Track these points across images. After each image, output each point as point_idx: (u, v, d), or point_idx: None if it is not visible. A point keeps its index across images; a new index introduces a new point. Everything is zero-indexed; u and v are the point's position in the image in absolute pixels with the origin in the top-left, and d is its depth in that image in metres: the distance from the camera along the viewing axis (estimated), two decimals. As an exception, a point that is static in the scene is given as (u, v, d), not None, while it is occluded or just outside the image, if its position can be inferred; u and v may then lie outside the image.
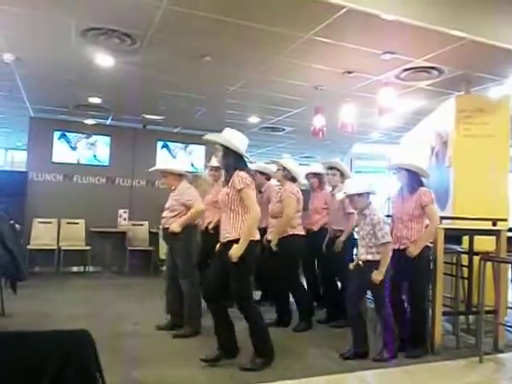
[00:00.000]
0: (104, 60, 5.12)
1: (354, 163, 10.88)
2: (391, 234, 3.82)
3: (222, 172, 5.29)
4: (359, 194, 3.70)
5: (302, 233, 4.56)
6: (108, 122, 8.58)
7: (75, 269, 7.61)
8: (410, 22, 3.89)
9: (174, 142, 8.80)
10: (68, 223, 7.57)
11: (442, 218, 4.29)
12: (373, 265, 3.61)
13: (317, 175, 5.40)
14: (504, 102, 5.28)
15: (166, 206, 4.28)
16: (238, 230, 3.28)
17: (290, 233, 4.43)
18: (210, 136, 3.49)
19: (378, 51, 4.59)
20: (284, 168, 4.60)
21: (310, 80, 5.66)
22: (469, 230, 4.29)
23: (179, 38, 4.50)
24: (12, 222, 4.56)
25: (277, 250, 4.42)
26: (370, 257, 3.64)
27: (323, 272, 5.06)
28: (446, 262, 4.08)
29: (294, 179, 4.60)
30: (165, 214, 4.28)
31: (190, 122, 8.36)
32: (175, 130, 9.11)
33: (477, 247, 4.35)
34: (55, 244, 7.29)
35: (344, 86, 5.81)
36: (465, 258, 4.38)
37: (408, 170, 3.92)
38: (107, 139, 8.18)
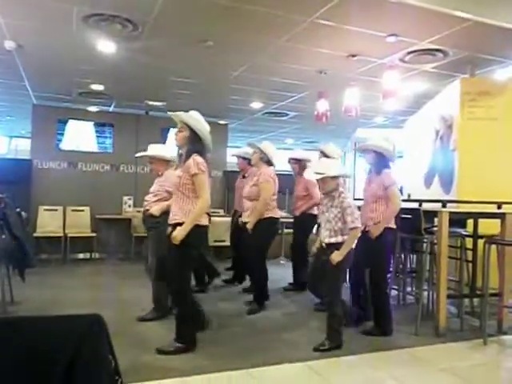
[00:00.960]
0: (106, 46, 5.09)
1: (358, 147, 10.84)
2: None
3: (243, 162, 5.47)
4: (332, 176, 3.56)
5: (277, 216, 4.62)
6: (111, 108, 8.57)
7: (81, 256, 7.67)
8: (415, 4, 3.84)
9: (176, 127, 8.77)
10: (73, 210, 7.61)
11: (447, 201, 4.29)
12: (335, 247, 3.50)
13: (298, 161, 5.42)
14: (510, 85, 5.23)
15: (151, 190, 4.29)
16: (187, 214, 3.24)
17: (266, 216, 4.48)
18: (185, 117, 3.39)
19: (382, 34, 4.54)
20: (260, 151, 4.60)
21: (314, 64, 5.61)
22: (473, 214, 4.29)
23: (181, 23, 4.46)
24: (18, 209, 4.58)
25: (252, 231, 4.48)
26: (333, 240, 3.52)
27: None
28: (450, 246, 4.10)
29: (269, 162, 4.62)
30: (148, 197, 4.27)
31: (193, 107, 8.30)
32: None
33: (481, 230, 4.36)
34: (61, 231, 7.34)
35: (348, 70, 5.77)
36: (469, 241, 4.40)
37: (375, 152, 3.92)
38: (110, 126, 8.18)
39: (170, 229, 3.35)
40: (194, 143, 3.34)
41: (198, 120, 3.39)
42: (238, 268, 5.76)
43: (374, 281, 3.94)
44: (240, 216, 5.04)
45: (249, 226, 4.49)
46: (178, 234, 3.19)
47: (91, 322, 1.16)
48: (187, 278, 3.47)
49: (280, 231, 6.84)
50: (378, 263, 3.91)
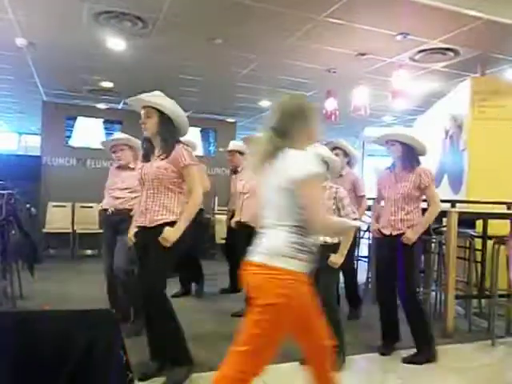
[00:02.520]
0: (116, 44, 5.11)
1: (366, 147, 10.81)
2: (377, 217, 3.57)
3: (239, 157, 5.08)
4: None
5: None
6: (120, 106, 8.60)
7: (89, 252, 7.71)
8: (425, 2, 3.82)
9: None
10: (82, 207, 7.66)
11: (456, 201, 4.26)
12: (330, 247, 3.09)
13: None
14: (521, 84, 5.19)
15: (124, 185, 3.82)
16: (172, 212, 2.78)
17: None
18: (152, 99, 2.88)
19: (392, 32, 4.52)
20: None
21: (323, 62, 5.60)
22: (483, 214, 4.26)
23: (190, 21, 4.47)
24: (28, 205, 4.62)
25: None
26: (328, 238, 3.08)
27: None
28: (459, 246, 4.07)
29: None
30: (120, 193, 3.78)
31: (201, 105, 8.34)
32: (186, 114, 9.08)
33: (491, 231, 4.33)
34: (70, 227, 7.40)
35: (357, 69, 5.74)
36: (478, 242, 4.37)
37: (403, 144, 3.34)
38: (119, 123, 8.22)
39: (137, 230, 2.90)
40: (169, 129, 2.86)
41: (165, 98, 2.94)
42: (234, 276, 5.17)
43: (407, 293, 3.36)
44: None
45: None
46: (172, 234, 2.68)
47: (104, 318, 1.17)
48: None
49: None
50: (411, 273, 3.35)
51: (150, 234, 2.76)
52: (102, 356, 1.13)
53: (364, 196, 4.37)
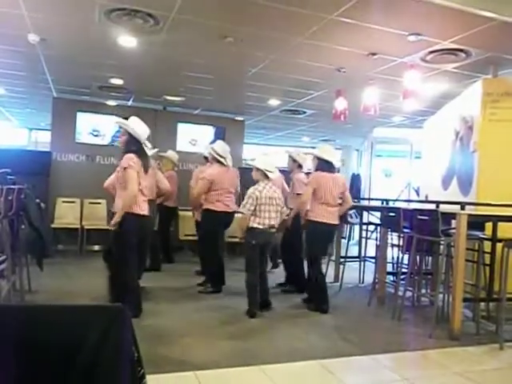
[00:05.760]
0: (127, 41, 5.13)
1: (375, 147, 10.76)
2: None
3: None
4: (257, 169, 4.42)
5: (216, 208, 5.17)
6: (129, 103, 8.64)
7: (97, 247, 7.75)
8: (438, 2, 3.79)
9: (193, 123, 8.84)
10: (90, 203, 7.71)
11: (466, 203, 4.23)
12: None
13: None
14: (533, 86, 5.12)
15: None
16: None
17: (204, 207, 5.25)
18: (121, 121, 4.09)
19: (404, 32, 4.49)
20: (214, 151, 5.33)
21: (333, 62, 5.58)
22: (492, 216, 4.22)
23: (202, 19, 4.47)
24: (38, 200, 4.65)
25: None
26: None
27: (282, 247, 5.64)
28: (467, 249, 4.04)
29: (219, 161, 5.27)
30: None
31: (211, 103, 8.36)
32: (195, 112, 9.12)
33: (500, 234, 4.29)
34: (78, 223, 7.44)
35: (367, 69, 5.72)
36: (487, 245, 4.34)
37: (318, 158, 4.78)
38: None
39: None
40: (130, 145, 3.95)
41: (135, 127, 3.97)
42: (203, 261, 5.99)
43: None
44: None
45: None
46: (113, 221, 3.82)
47: (115, 313, 1.17)
48: (126, 260, 3.91)
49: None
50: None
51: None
52: (113, 352, 1.13)
53: (300, 194, 5.02)
